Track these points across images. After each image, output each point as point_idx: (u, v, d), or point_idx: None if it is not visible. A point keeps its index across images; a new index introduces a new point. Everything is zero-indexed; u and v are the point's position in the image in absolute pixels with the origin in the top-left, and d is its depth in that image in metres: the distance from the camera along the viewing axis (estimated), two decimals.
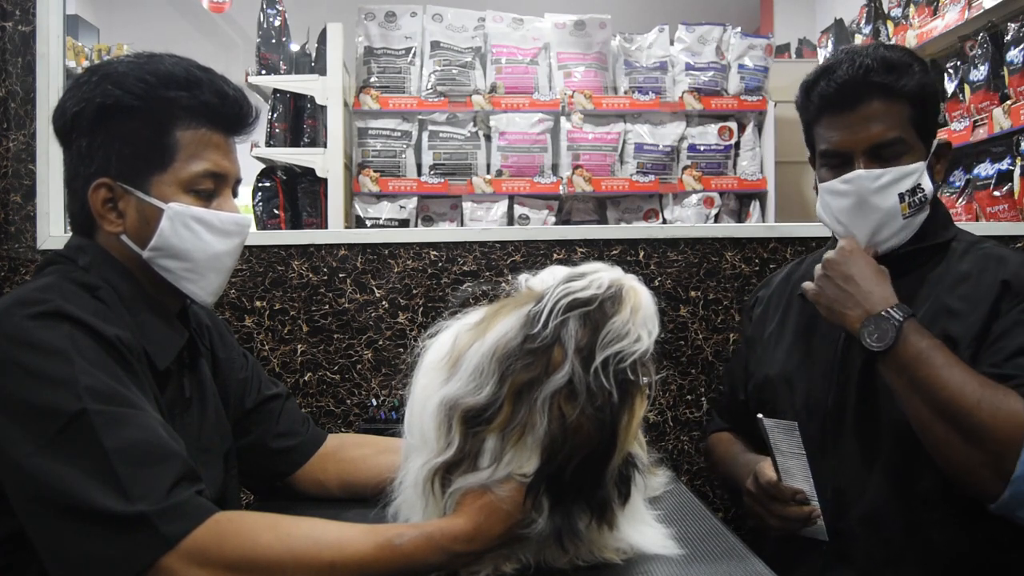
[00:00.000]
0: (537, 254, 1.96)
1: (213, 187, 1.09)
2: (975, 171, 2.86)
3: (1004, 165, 2.72)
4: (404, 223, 3.33)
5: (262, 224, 3.12)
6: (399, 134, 3.37)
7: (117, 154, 1.05)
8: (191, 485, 0.89)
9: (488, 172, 3.41)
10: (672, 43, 3.57)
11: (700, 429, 1.97)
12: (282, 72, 3.27)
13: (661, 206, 3.52)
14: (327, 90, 3.14)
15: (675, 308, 1.97)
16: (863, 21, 3.76)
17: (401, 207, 3.36)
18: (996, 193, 2.68)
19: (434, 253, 1.94)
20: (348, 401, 1.92)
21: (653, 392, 0.95)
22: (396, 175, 3.36)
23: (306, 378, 1.92)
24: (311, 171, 3.15)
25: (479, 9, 3.50)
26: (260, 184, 3.18)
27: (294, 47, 3.40)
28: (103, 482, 0.85)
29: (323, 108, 3.17)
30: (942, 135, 1.40)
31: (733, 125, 3.50)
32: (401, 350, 1.92)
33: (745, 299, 1.96)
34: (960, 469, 1.17)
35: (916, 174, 1.29)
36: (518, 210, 3.42)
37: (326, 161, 3.12)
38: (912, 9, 3.34)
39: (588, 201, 3.54)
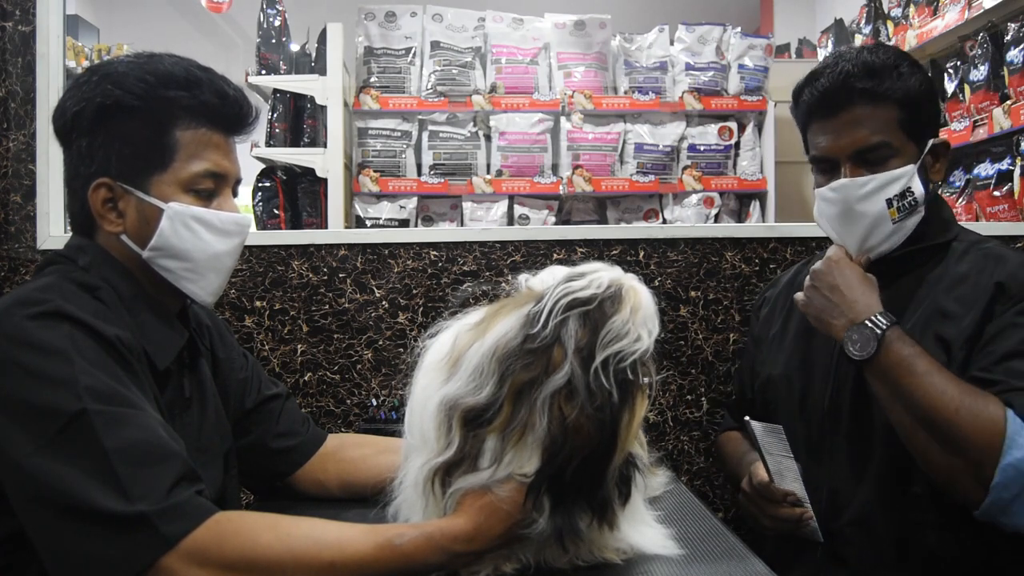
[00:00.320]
0: (537, 254, 1.96)
1: (213, 187, 1.09)
2: (975, 171, 2.86)
3: (1004, 165, 2.72)
4: (404, 223, 3.33)
5: (262, 224, 3.12)
6: (399, 134, 3.37)
7: (117, 154, 1.05)
8: (191, 485, 0.89)
9: (488, 172, 3.41)
10: (672, 43, 3.57)
11: (700, 429, 1.97)
12: (282, 72, 3.27)
13: (661, 206, 3.52)
14: (327, 90, 3.14)
15: (675, 308, 1.96)
16: (863, 21, 3.77)
17: (401, 207, 3.36)
18: (996, 193, 2.68)
19: (434, 253, 1.94)
20: (348, 401, 1.92)
21: (653, 392, 0.95)
22: (396, 175, 3.36)
23: (306, 378, 1.92)
24: (311, 171, 3.15)
25: (479, 9, 3.50)
26: (260, 184, 3.18)
27: (294, 47, 3.40)
28: (103, 482, 0.85)
29: (323, 108, 3.17)
30: (942, 134, 1.39)
31: (733, 125, 3.50)
32: (401, 350, 1.92)
33: (745, 299, 1.96)
34: (943, 476, 1.18)
35: (904, 178, 1.28)
36: (518, 210, 3.42)
37: (326, 161, 3.12)
38: (912, 9, 3.34)
39: (588, 201, 3.54)
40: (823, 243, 1.41)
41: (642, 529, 1.01)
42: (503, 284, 1.88)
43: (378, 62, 3.38)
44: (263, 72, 3.25)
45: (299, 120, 3.25)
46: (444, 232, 2.47)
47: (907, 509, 1.26)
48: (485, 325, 0.95)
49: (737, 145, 3.51)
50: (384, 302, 1.93)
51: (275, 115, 3.23)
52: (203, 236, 1.08)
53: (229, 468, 1.21)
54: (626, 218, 3.52)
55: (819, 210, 1.37)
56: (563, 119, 3.44)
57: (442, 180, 3.37)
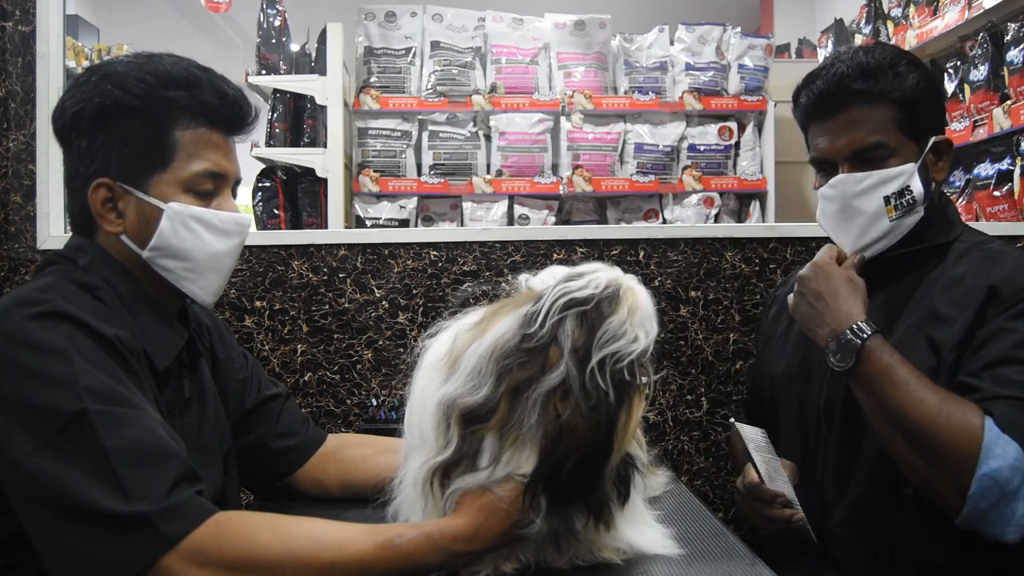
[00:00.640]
0: (537, 254, 1.96)
1: (213, 187, 1.09)
2: (975, 171, 2.86)
3: (1004, 165, 2.72)
4: (404, 223, 3.33)
5: (262, 224, 3.12)
6: (399, 134, 3.37)
7: (117, 154, 1.05)
8: (191, 485, 0.89)
9: (488, 172, 3.41)
10: (672, 43, 3.57)
11: (700, 429, 1.97)
12: (282, 72, 3.27)
13: (661, 206, 3.52)
14: (327, 90, 3.14)
15: (675, 308, 1.97)
16: (863, 21, 3.77)
17: (401, 207, 3.36)
18: (996, 193, 2.68)
19: (434, 253, 1.94)
20: (348, 401, 1.92)
21: (652, 392, 0.95)
22: (396, 175, 3.36)
23: (306, 378, 1.92)
24: (311, 171, 3.15)
25: (479, 9, 3.50)
26: (260, 184, 3.18)
27: (294, 47, 3.40)
28: (103, 482, 0.85)
29: (323, 108, 3.17)
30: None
31: (733, 125, 3.50)
32: (401, 350, 1.92)
33: (745, 299, 1.97)
34: (923, 485, 1.17)
35: (902, 176, 1.28)
36: (518, 210, 3.42)
37: (326, 161, 3.12)
38: (912, 9, 3.34)
39: (588, 201, 3.54)
40: (823, 243, 1.40)
41: (642, 529, 1.01)
42: (503, 284, 1.88)
43: (378, 62, 3.38)
44: (263, 72, 3.25)
45: (299, 120, 3.25)
46: (444, 232, 2.48)
47: (896, 512, 1.26)
48: (484, 325, 0.95)
49: (737, 145, 3.51)
50: (384, 302, 1.93)
51: (275, 115, 3.23)
52: (203, 236, 1.08)
53: (229, 468, 1.21)
54: (626, 218, 3.52)
55: (820, 210, 1.37)
56: (563, 119, 3.44)
57: (442, 180, 3.37)
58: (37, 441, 0.87)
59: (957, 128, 2.94)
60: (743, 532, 1.75)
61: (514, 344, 0.90)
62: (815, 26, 5.11)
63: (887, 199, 1.28)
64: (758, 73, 3.52)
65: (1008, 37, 2.70)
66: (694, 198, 3.46)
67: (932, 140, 1.31)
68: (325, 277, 1.93)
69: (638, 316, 0.92)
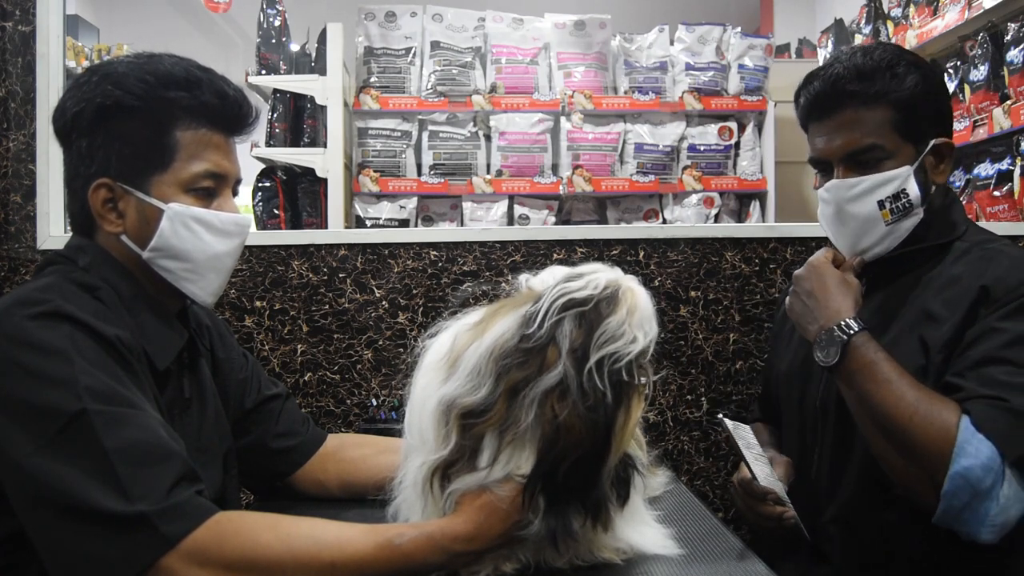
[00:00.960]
0: (537, 254, 1.96)
1: (213, 187, 1.09)
2: (975, 171, 2.85)
3: (1004, 165, 2.72)
4: (404, 223, 3.33)
5: (262, 224, 3.12)
6: (399, 134, 3.37)
7: (117, 154, 1.05)
8: (191, 485, 0.89)
9: (488, 172, 3.41)
10: (672, 43, 3.57)
11: (700, 429, 1.97)
12: (282, 72, 3.27)
13: (661, 206, 3.52)
14: (327, 90, 3.14)
15: (675, 308, 1.97)
16: (863, 21, 3.76)
17: (401, 207, 3.36)
18: (996, 193, 2.68)
19: (434, 253, 1.94)
20: (348, 401, 1.93)
21: (651, 393, 0.95)
22: (396, 175, 3.36)
23: (306, 378, 1.92)
24: (311, 171, 3.15)
25: (479, 9, 3.50)
26: (260, 184, 3.18)
27: (294, 47, 3.40)
28: (103, 482, 0.85)
29: (323, 108, 3.17)
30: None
31: (733, 125, 3.50)
32: (401, 350, 1.92)
33: (745, 299, 1.97)
34: (902, 482, 1.18)
35: (897, 180, 1.27)
36: (518, 210, 3.42)
37: (326, 161, 3.12)
38: (912, 9, 3.34)
39: (588, 201, 3.54)
40: (823, 243, 1.41)
41: (642, 529, 1.01)
42: (503, 284, 1.88)
43: (378, 62, 3.38)
44: (263, 72, 3.25)
45: (299, 120, 3.25)
46: (444, 232, 2.48)
47: (885, 511, 1.26)
48: (484, 325, 0.95)
49: (737, 145, 3.51)
50: (384, 302, 1.93)
51: (275, 115, 3.23)
52: (203, 237, 1.08)
53: (229, 468, 1.21)
54: (626, 218, 3.52)
55: (819, 211, 1.38)
56: (563, 119, 3.44)
57: (442, 180, 3.37)
58: (37, 441, 0.87)
59: (957, 128, 2.94)
60: (743, 532, 1.75)
61: (513, 344, 0.90)
62: (815, 26, 5.11)
63: (881, 203, 1.28)
64: (758, 73, 3.52)
65: (1008, 37, 2.70)
66: (694, 198, 3.46)
67: (932, 143, 1.30)
68: (325, 277, 1.93)
69: (637, 317, 0.92)
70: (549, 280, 0.96)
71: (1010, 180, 2.66)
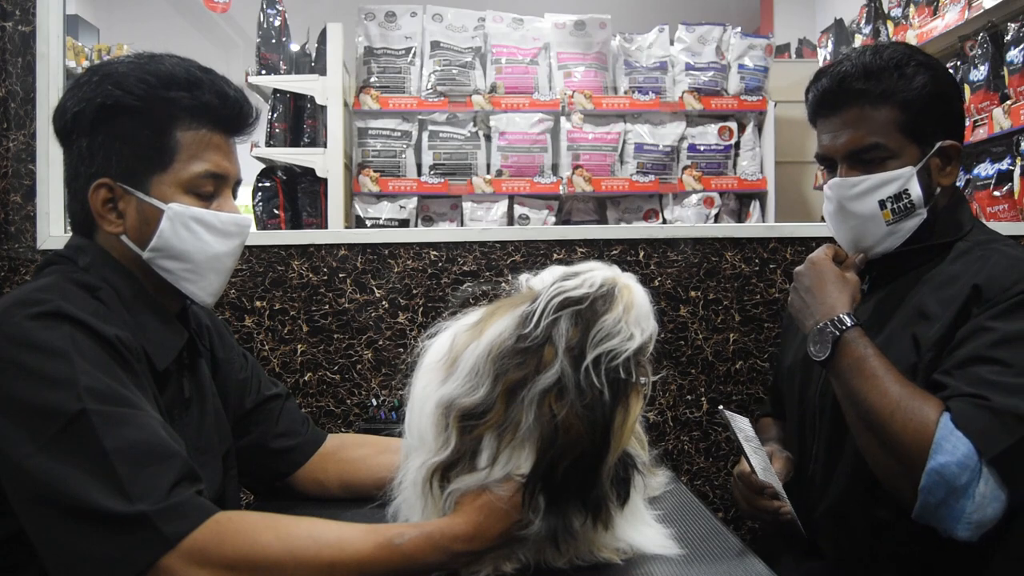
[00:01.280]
0: (537, 254, 1.96)
1: (213, 188, 1.09)
2: (975, 171, 2.85)
3: (1004, 165, 2.72)
4: (404, 223, 3.33)
5: (262, 224, 3.12)
6: (399, 134, 3.37)
7: (117, 154, 1.05)
8: (191, 485, 0.89)
9: (488, 172, 3.41)
10: (672, 43, 3.57)
11: (700, 429, 1.97)
12: (282, 72, 3.28)
13: (661, 206, 3.52)
14: (327, 90, 3.14)
15: (675, 308, 1.97)
16: (863, 21, 3.76)
17: (401, 207, 3.36)
18: (996, 193, 2.68)
19: (434, 253, 1.94)
20: (348, 401, 1.93)
21: (650, 391, 0.95)
22: (396, 175, 3.36)
23: (306, 378, 1.92)
24: (311, 171, 3.15)
25: (479, 9, 3.51)
26: (260, 184, 3.18)
27: (294, 47, 3.40)
28: (103, 482, 0.85)
29: (323, 108, 3.17)
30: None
31: (733, 125, 3.49)
32: (401, 350, 1.92)
33: (745, 299, 1.97)
34: (884, 477, 1.18)
35: (899, 180, 1.27)
36: (518, 210, 3.42)
37: (326, 161, 3.12)
38: (912, 9, 3.34)
39: (588, 201, 3.54)
40: (823, 243, 1.41)
41: (642, 529, 1.01)
42: (503, 284, 1.88)
43: (378, 62, 3.38)
44: (263, 72, 3.25)
45: (299, 120, 3.26)
46: (444, 232, 2.48)
47: (875, 507, 1.26)
48: (482, 325, 0.95)
49: (737, 145, 3.51)
50: (384, 302, 1.93)
51: (275, 115, 3.24)
52: (203, 237, 1.08)
53: (228, 468, 1.21)
54: (626, 218, 3.52)
55: (824, 207, 1.39)
56: (563, 119, 3.44)
57: (442, 180, 3.37)
58: (37, 441, 0.87)
59: None
60: (743, 532, 1.75)
61: (510, 344, 0.90)
62: (815, 26, 5.11)
63: (882, 203, 1.28)
64: (758, 73, 3.52)
65: (1008, 37, 2.70)
66: (694, 198, 3.46)
67: (939, 144, 1.29)
68: (325, 277, 1.93)
69: (633, 314, 0.92)
70: (549, 280, 0.96)
71: (1010, 180, 2.66)
